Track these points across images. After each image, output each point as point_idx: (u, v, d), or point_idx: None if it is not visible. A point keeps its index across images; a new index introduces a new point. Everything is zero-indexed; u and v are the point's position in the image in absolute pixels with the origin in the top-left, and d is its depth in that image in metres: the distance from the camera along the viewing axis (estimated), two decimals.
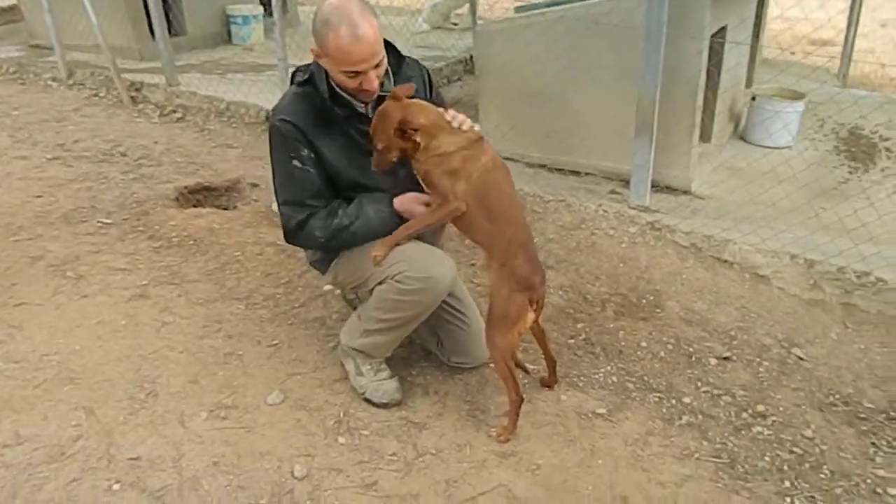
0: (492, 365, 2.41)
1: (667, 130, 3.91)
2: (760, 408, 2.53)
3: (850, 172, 4.60)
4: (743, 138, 5.15)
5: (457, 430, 2.35)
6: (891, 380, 2.73)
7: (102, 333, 2.77)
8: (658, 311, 3.11)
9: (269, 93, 5.18)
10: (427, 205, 2.23)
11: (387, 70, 2.25)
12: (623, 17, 3.89)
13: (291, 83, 2.36)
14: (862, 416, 2.54)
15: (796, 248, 3.30)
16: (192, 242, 3.47)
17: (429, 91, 2.47)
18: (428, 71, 2.49)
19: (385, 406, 2.42)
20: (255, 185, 4.18)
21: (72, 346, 2.69)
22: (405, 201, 2.26)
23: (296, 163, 2.24)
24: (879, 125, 5.36)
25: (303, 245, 2.46)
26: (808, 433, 2.42)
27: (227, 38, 7.36)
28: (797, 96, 4.93)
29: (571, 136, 4.34)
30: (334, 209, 2.28)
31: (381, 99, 2.24)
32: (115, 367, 2.59)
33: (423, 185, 2.24)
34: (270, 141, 2.30)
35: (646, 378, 2.67)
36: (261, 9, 7.44)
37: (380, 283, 2.24)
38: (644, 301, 3.18)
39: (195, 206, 4.03)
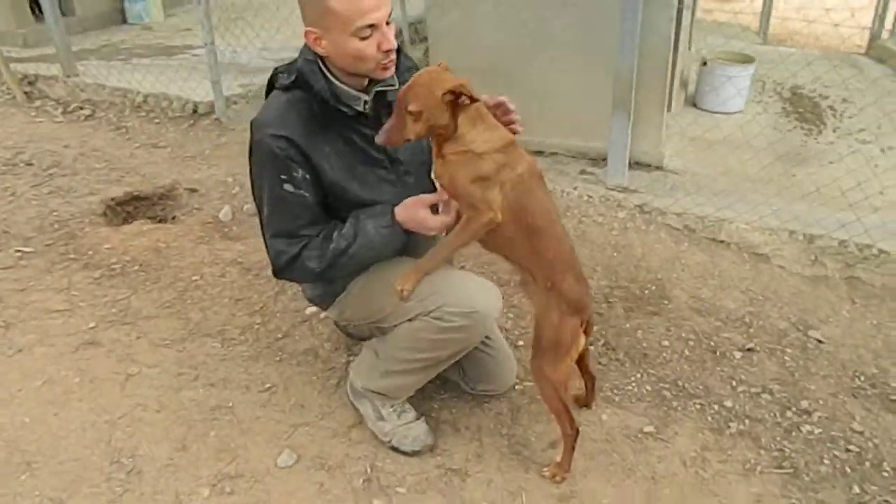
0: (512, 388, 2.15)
1: (638, 104, 3.71)
2: (804, 404, 2.40)
3: (806, 135, 4.60)
4: (695, 105, 5.06)
5: (503, 474, 2.07)
6: None
7: (53, 397, 2.29)
8: (665, 302, 2.94)
9: (191, 80, 4.59)
10: (433, 206, 1.89)
11: None
12: None
13: (270, 87, 1.95)
14: (893, 398, 2.46)
15: (794, 224, 3.20)
16: (137, 268, 2.98)
17: None
18: None
19: (417, 454, 2.11)
20: (193, 191, 3.68)
21: (17, 418, 2.21)
22: (407, 209, 1.89)
23: (288, 187, 1.85)
24: (816, 83, 5.42)
25: (296, 279, 2.11)
26: (856, 426, 2.32)
27: (122, 18, 6.57)
28: (747, 59, 4.87)
29: (533, 113, 4.05)
30: (328, 233, 1.91)
31: (379, 95, 1.91)
32: (80, 439, 2.13)
33: (445, 191, 1.89)
34: (255, 159, 1.90)
35: (679, 382, 2.49)
36: None
37: (410, 320, 1.91)
38: (647, 292, 3.00)
39: (126, 221, 3.50)
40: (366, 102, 1.89)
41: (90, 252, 3.07)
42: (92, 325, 2.64)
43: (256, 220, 3.36)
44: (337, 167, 1.89)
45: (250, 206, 3.54)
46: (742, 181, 3.86)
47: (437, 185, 1.92)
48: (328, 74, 1.83)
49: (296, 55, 1.88)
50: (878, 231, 3.03)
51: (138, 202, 3.61)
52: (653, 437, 2.24)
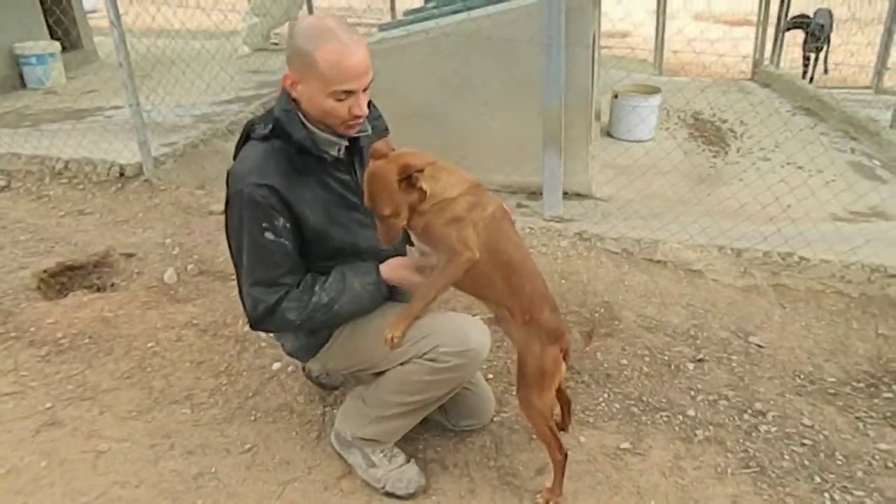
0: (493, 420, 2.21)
1: (566, 138, 3.92)
2: (758, 405, 2.59)
3: (714, 156, 4.97)
4: (609, 134, 5.37)
5: None
6: (837, 351, 2.94)
7: (20, 486, 2.16)
8: (616, 322, 3.09)
9: (115, 143, 4.45)
10: (420, 269, 1.97)
11: None
12: (504, 30, 3.83)
13: (244, 139, 1.97)
14: (831, 391, 2.69)
15: (722, 239, 3.45)
16: (87, 341, 2.86)
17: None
18: None
19: (412, 497, 2.12)
20: (130, 256, 3.57)
21: None
22: (396, 269, 1.98)
23: (269, 235, 1.87)
24: (714, 108, 5.89)
25: (272, 330, 2.08)
26: (806, 421, 2.52)
27: (20, 83, 6.30)
28: (653, 90, 5.23)
29: (463, 152, 4.21)
30: (308, 285, 1.94)
31: (353, 141, 1.98)
32: None
33: (419, 242, 1.97)
34: (233, 210, 1.91)
35: (644, 398, 2.63)
36: (58, 45, 6.46)
37: (402, 364, 1.95)
38: (598, 315, 3.15)
39: (61, 293, 3.35)
40: (340, 149, 1.95)
41: (32, 329, 2.92)
42: (48, 404, 2.51)
43: (202, 279, 3.40)
44: (317, 212, 1.92)
45: (194, 267, 3.47)
46: (665, 203, 4.13)
47: (413, 236, 1.99)
48: (306, 122, 1.88)
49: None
50: (797, 240, 3.31)
51: (72, 272, 3.47)
52: (630, 452, 2.35)
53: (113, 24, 3.70)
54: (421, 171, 1.80)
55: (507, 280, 1.98)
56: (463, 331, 1.91)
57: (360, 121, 1.90)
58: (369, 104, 2.04)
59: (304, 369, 2.60)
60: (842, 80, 8.23)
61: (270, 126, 1.89)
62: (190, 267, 3.46)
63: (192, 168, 4.38)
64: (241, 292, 1.98)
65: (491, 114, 4.04)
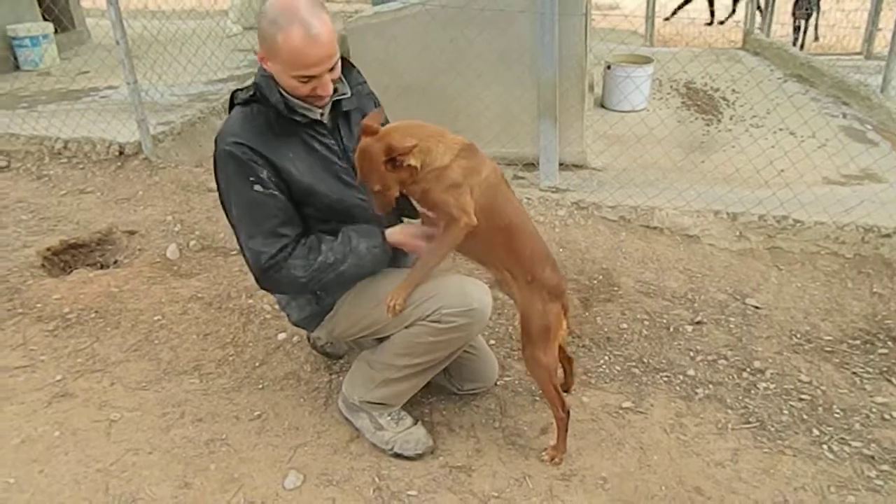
0: (499, 383, 2.26)
1: (560, 109, 3.93)
2: (756, 364, 2.64)
3: (707, 124, 4.99)
4: (602, 105, 5.38)
5: (505, 464, 2.17)
6: (833, 310, 2.99)
7: (36, 454, 2.20)
8: (615, 289, 3.14)
9: (113, 122, 4.44)
10: (426, 237, 2.01)
11: None
12: (497, 2, 3.82)
13: (231, 106, 2.01)
14: (828, 349, 2.75)
15: (717, 204, 3.49)
16: (94, 315, 2.89)
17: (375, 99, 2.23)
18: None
19: (420, 457, 2.17)
20: (132, 233, 3.59)
21: (0, 481, 2.11)
22: (402, 235, 2.03)
23: (258, 188, 1.91)
24: (706, 77, 5.89)
25: (278, 288, 2.11)
26: (803, 377, 2.58)
27: (14, 64, 6.26)
28: (646, 60, 5.23)
29: (457, 125, 4.21)
30: (315, 244, 1.97)
31: (335, 103, 2.02)
32: (75, 492, 2.07)
33: (420, 207, 2.01)
34: (220, 171, 1.95)
35: (644, 359, 2.68)
36: (51, 27, 6.40)
37: (407, 327, 1.99)
38: (596, 282, 3.19)
39: (65, 270, 3.37)
40: (322, 113, 1.98)
41: (39, 305, 2.95)
42: (59, 377, 2.54)
43: (205, 255, 3.43)
44: (303, 170, 1.96)
45: (196, 242, 3.50)
46: (660, 171, 4.16)
47: (413, 201, 2.03)
48: (281, 89, 1.91)
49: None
50: (792, 203, 3.34)
51: (75, 250, 3.49)
52: (632, 411, 2.40)
53: (109, 2, 3.69)
54: (405, 153, 1.83)
55: (508, 243, 2.02)
56: (465, 291, 1.95)
57: (325, 100, 1.94)
58: (352, 69, 2.07)
59: (309, 339, 2.64)
60: (832, 47, 8.24)
61: (252, 91, 1.94)
62: (192, 243, 3.48)
63: (190, 146, 4.39)
64: (242, 253, 2.01)
65: (486, 86, 4.04)
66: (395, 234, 2.04)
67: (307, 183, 1.96)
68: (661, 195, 3.56)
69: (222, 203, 2.00)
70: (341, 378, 2.52)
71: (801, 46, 7.77)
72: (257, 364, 2.63)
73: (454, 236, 1.92)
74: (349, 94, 2.05)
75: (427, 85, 4.10)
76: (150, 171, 4.05)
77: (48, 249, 3.39)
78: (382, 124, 1.92)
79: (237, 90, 2.00)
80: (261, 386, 2.52)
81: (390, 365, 2.10)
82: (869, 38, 7.10)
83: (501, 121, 4.10)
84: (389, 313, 1.94)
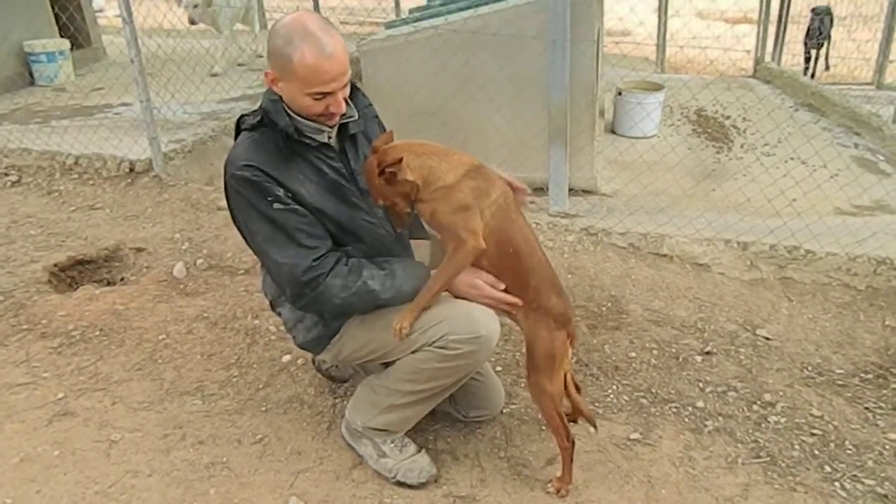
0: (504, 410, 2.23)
1: (571, 135, 3.93)
2: (767, 397, 2.60)
3: (718, 152, 4.98)
4: (613, 131, 5.38)
5: (510, 495, 2.13)
6: (845, 343, 2.95)
7: (34, 474, 2.18)
8: (624, 316, 3.11)
9: (125, 139, 4.46)
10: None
11: None
12: (509, 27, 3.84)
13: (237, 132, 2.00)
14: (840, 383, 2.71)
15: (728, 233, 3.46)
16: (98, 333, 2.88)
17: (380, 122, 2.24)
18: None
19: (423, 486, 2.14)
20: (140, 251, 3.59)
21: None
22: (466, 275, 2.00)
23: (278, 206, 1.90)
24: (717, 104, 5.89)
25: (313, 307, 2.01)
26: (815, 412, 2.53)
27: (30, 80, 6.33)
28: (657, 87, 5.24)
29: (467, 148, 4.17)
30: (356, 267, 1.95)
31: (342, 127, 2.02)
32: None
33: (430, 229, 2.00)
34: (235, 197, 1.94)
35: (653, 390, 2.64)
36: (67, 43, 6.47)
37: (413, 353, 1.96)
38: (605, 309, 3.16)
39: (71, 286, 3.37)
40: (329, 136, 1.99)
41: (44, 321, 2.94)
42: (61, 395, 2.53)
43: (212, 274, 3.42)
44: (312, 192, 1.95)
45: (203, 261, 3.49)
46: (670, 199, 4.14)
47: (423, 222, 2.02)
48: (290, 112, 1.92)
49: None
50: (803, 233, 3.32)
51: (83, 266, 3.49)
52: (640, 443, 2.36)
53: (125, 21, 3.73)
54: (393, 164, 1.83)
55: (515, 269, 2.00)
56: (472, 317, 1.93)
57: (336, 118, 1.94)
58: (357, 92, 2.08)
59: (314, 362, 2.62)
60: (843, 77, 8.25)
61: (259, 117, 1.94)
62: (199, 261, 3.48)
63: (200, 164, 4.41)
64: (273, 277, 2.00)
65: (496, 110, 4.05)
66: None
67: (317, 205, 1.95)
68: (671, 222, 3.54)
69: (241, 231, 1.98)
70: (345, 402, 2.49)
71: (812, 76, 7.78)
72: (261, 386, 2.61)
73: (462, 260, 1.91)
74: (356, 117, 2.05)
75: (438, 108, 4.11)
76: (159, 188, 4.07)
77: (55, 265, 3.39)
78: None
79: (243, 116, 2.00)
80: (264, 408, 2.49)
81: (395, 390, 2.07)
82: (880, 69, 7.09)
83: (512, 145, 4.10)
84: (396, 337, 1.92)
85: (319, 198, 1.96)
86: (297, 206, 1.91)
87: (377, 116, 2.19)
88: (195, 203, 3.95)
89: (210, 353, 2.78)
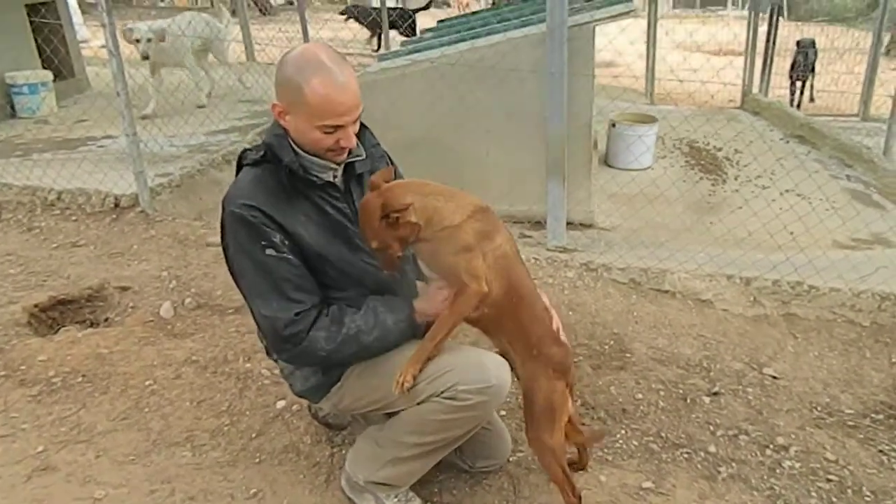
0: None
1: (569, 168, 3.88)
2: (780, 440, 2.51)
3: (713, 185, 4.96)
4: (607, 163, 5.35)
5: None
6: (852, 381, 2.88)
7: None
8: (628, 355, 3.02)
9: (110, 173, 4.34)
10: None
11: None
12: (506, 60, 3.81)
13: (239, 167, 1.92)
14: (851, 424, 2.63)
15: (731, 268, 3.40)
16: (81, 379, 2.74)
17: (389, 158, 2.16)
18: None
19: None
20: (125, 289, 3.46)
21: None
22: (431, 304, 1.91)
23: (270, 252, 1.81)
24: (708, 136, 5.89)
25: (296, 360, 1.97)
26: (829, 455, 2.45)
27: (11, 112, 6.21)
28: (650, 119, 5.23)
29: (463, 182, 4.14)
30: (337, 316, 1.86)
31: (348, 166, 1.94)
32: None
33: (427, 270, 1.92)
34: (229, 235, 1.86)
35: (662, 434, 2.55)
36: (50, 75, 6.38)
37: (419, 403, 1.86)
38: (608, 347, 3.08)
39: (52, 328, 3.23)
40: (335, 175, 1.91)
41: (23, 367, 2.80)
42: (41, 448, 2.38)
43: (200, 314, 3.30)
44: (315, 234, 1.87)
45: (191, 300, 3.37)
46: (669, 233, 4.09)
47: (420, 263, 1.94)
48: (295, 147, 1.84)
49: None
50: (807, 269, 3.27)
51: (64, 307, 3.35)
52: (653, 492, 2.26)
53: (111, 53, 3.65)
54: (400, 210, 1.75)
55: (516, 316, 1.93)
56: (482, 367, 1.83)
57: (345, 154, 1.87)
58: (366, 130, 2.01)
59: (310, 409, 2.50)
60: (828, 108, 8.32)
61: (262, 152, 1.86)
62: (187, 301, 3.35)
63: (188, 199, 4.30)
64: (257, 323, 1.91)
65: (493, 143, 4.00)
66: (423, 304, 1.93)
67: (318, 248, 1.87)
68: (672, 258, 3.48)
69: (231, 270, 1.90)
70: (344, 452, 2.37)
71: (798, 107, 7.84)
72: (254, 435, 2.48)
73: (465, 305, 1.83)
74: (364, 156, 1.97)
75: (434, 141, 4.05)
76: (146, 224, 3.96)
77: (35, 306, 3.25)
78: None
79: (246, 150, 1.93)
80: (257, 460, 2.36)
81: (399, 443, 1.96)
82: (865, 101, 7.16)
83: (509, 178, 4.05)
84: (398, 390, 1.81)
85: (321, 240, 1.87)
86: (289, 257, 1.82)
87: (385, 154, 2.11)
88: (183, 239, 3.84)
89: (200, 399, 2.65)
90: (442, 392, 1.81)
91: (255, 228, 1.80)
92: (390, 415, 2.00)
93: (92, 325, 3.31)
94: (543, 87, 3.56)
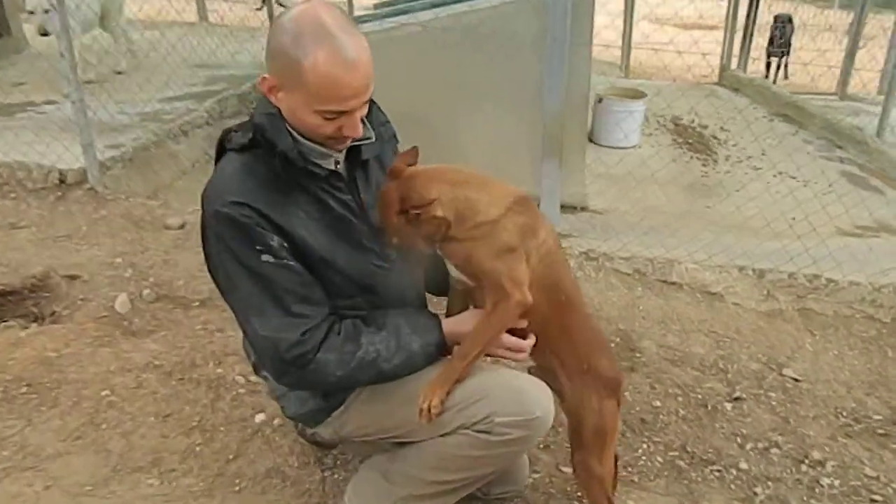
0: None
1: (564, 146, 3.59)
2: (815, 454, 2.31)
3: (705, 165, 4.76)
4: (591, 140, 5.08)
5: None
6: (877, 384, 2.73)
7: None
8: (638, 355, 2.79)
9: (56, 143, 3.80)
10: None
11: None
12: (499, 26, 3.47)
13: (220, 151, 1.56)
14: (881, 432, 2.47)
15: (742, 259, 3.19)
16: (26, 389, 2.35)
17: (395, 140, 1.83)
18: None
19: None
20: (74, 278, 3.05)
21: None
22: (465, 324, 1.61)
23: (267, 258, 1.48)
24: (692, 113, 5.67)
25: (303, 386, 1.65)
26: (869, 471, 2.27)
27: None
28: (638, 94, 4.97)
29: (446, 158, 3.83)
30: (352, 334, 1.54)
31: (353, 150, 1.60)
32: None
33: (458, 274, 1.61)
34: (213, 240, 1.51)
35: (688, 448, 2.32)
36: None
37: (444, 435, 1.56)
38: (615, 345, 2.84)
39: None
40: (337, 162, 1.58)
41: None
42: None
43: (161, 307, 2.93)
44: (317, 234, 1.54)
45: (150, 291, 2.98)
46: (666, 217, 3.86)
47: (450, 267, 1.63)
48: (292, 129, 1.50)
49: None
50: (826, 261, 3.08)
51: (3, 298, 2.92)
52: None
53: (53, 8, 3.18)
54: (423, 206, 1.46)
55: (563, 324, 1.65)
56: (522, 393, 1.54)
57: (349, 141, 1.54)
58: (373, 106, 1.66)
59: (296, 424, 2.17)
60: (803, 86, 8.22)
61: (250, 134, 1.50)
62: (146, 292, 2.97)
63: (143, 174, 3.87)
64: (252, 343, 1.60)
65: (477, 119, 3.67)
66: (457, 325, 1.62)
67: (322, 251, 1.54)
68: (680, 247, 3.24)
69: (217, 282, 1.56)
70: (336, 476, 2.08)
71: (773, 83, 7.70)
72: (231, 456, 2.15)
73: (506, 317, 1.54)
74: (373, 139, 1.63)
75: (420, 113, 3.70)
76: (95, 203, 3.52)
77: None
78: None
79: (230, 132, 1.56)
80: (237, 487, 2.04)
81: (415, 479, 1.66)
82: (844, 79, 7.04)
83: (499, 156, 3.73)
84: (422, 418, 1.51)
85: (325, 241, 1.55)
86: (291, 262, 1.50)
87: (395, 136, 1.77)
88: (138, 221, 3.42)
89: (166, 413, 2.30)
90: (475, 424, 1.52)
91: (247, 231, 1.46)
92: (402, 443, 1.70)
93: (36, 319, 2.90)
94: (543, 56, 3.24)
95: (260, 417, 2.30)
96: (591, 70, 3.60)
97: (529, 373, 1.73)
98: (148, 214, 3.48)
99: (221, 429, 2.26)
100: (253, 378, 2.36)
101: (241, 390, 2.42)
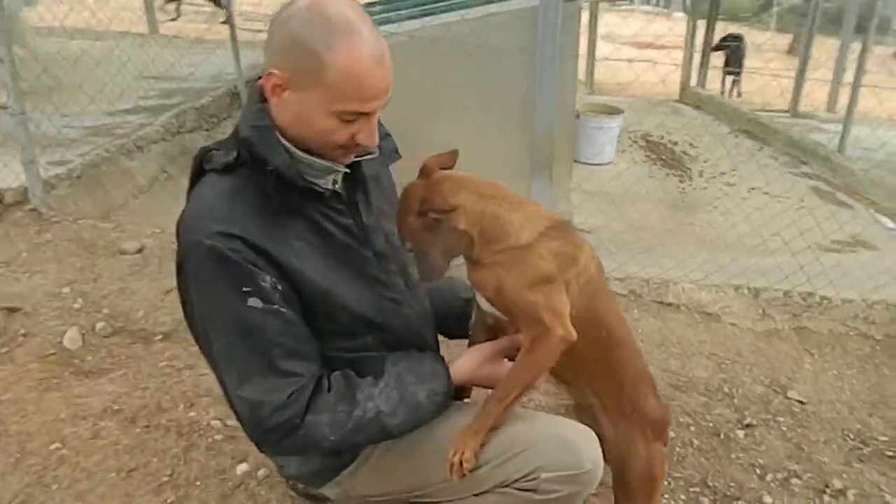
0: None
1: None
2: (836, 483, 2.20)
3: (681, 181, 4.71)
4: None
5: None
6: (877, 403, 2.69)
7: None
8: None
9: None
10: (509, 356, 1.44)
11: None
12: (489, 37, 3.30)
13: (197, 172, 1.34)
14: (889, 454, 2.41)
15: (738, 278, 3.10)
16: None
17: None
18: None
19: None
20: (13, 311, 2.72)
21: None
22: (477, 367, 1.41)
23: (254, 303, 1.25)
24: (660, 129, 5.66)
25: (289, 452, 1.45)
26: (889, 499, 2.19)
27: None
28: (615, 111, 4.89)
29: None
30: (343, 391, 1.32)
31: (353, 168, 1.41)
32: None
33: (491, 308, 1.42)
34: (195, 274, 1.29)
35: (708, 482, 2.18)
36: None
37: (478, 494, 1.35)
38: None
39: None
40: (335, 181, 1.38)
41: None
42: None
43: (118, 342, 2.63)
44: (316, 265, 1.33)
45: (105, 325, 2.68)
46: (652, 235, 3.77)
47: (479, 296, 1.44)
48: (286, 142, 1.29)
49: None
50: (819, 278, 3.02)
51: None
52: None
53: None
54: (444, 211, 1.31)
55: (607, 360, 1.48)
56: (569, 444, 1.35)
57: (353, 155, 1.35)
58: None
59: (287, 481, 1.92)
60: (755, 104, 8.40)
61: (235, 152, 1.28)
62: (100, 325, 2.66)
63: (93, 194, 3.53)
64: (229, 401, 1.36)
65: (469, 130, 3.49)
66: (467, 366, 1.42)
67: (321, 285, 1.32)
68: (676, 267, 3.13)
69: (191, 327, 1.34)
70: None
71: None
72: None
73: (546, 357, 1.35)
74: (376, 154, 1.43)
75: (407, 128, 3.49)
76: (38, 226, 3.19)
77: None
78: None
79: (210, 150, 1.34)
80: None
81: None
82: (795, 97, 7.19)
83: (486, 170, 3.54)
84: (454, 474, 1.30)
85: (327, 272, 1.33)
86: (283, 309, 1.28)
87: (396, 150, 1.56)
88: (89, 245, 3.10)
89: (130, 467, 2.01)
90: (516, 480, 1.32)
91: (235, 268, 1.23)
92: (426, 503, 1.48)
93: None
94: (532, 69, 3.09)
95: (242, 468, 2.03)
96: (577, 83, 3.48)
97: (565, 414, 1.54)
98: (100, 238, 3.16)
99: (197, 484, 1.98)
100: (231, 422, 2.11)
101: (218, 436, 2.14)
